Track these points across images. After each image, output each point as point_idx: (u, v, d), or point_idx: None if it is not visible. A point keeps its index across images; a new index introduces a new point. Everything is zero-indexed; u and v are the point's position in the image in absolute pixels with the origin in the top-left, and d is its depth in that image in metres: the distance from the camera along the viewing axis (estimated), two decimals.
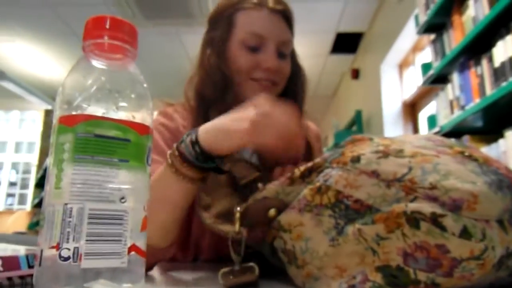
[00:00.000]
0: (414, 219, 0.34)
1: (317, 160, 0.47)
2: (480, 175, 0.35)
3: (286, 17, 0.83)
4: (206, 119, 0.72)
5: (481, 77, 1.79)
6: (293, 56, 0.89)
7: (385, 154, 0.40)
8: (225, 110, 0.70)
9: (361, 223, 0.38)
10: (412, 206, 0.34)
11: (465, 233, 0.33)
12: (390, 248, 0.35)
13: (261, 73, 0.81)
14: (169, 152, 0.57)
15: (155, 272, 0.68)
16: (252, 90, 0.81)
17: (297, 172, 0.47)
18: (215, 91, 0.81)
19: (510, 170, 0.39)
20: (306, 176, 0.47)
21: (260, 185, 0.50)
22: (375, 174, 0.38)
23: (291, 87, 0.88)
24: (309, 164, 0.47)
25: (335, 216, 0.41)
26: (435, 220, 0.33)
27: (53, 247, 0.29)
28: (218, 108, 0.79)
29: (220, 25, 0.85)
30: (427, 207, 0.34)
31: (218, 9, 0.87)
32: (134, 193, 0.32)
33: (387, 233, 0.35)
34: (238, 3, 0.83)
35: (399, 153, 0.39)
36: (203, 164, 0.55)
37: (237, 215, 0.48)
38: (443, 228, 0.33)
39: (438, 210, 0.33)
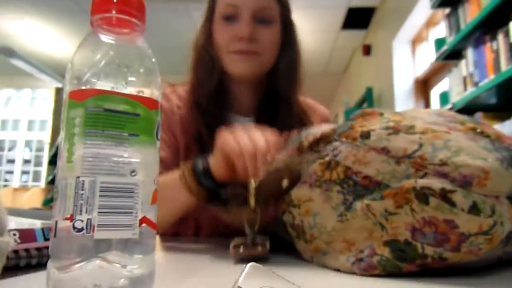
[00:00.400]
0: (423, 195, 0.34)
1: (326, 130, 0.47)
2: (492, 151, 0.35)
3: None
4: (200, 102, 0.73)
5: (496, 52, 1.75)
6: (286, 26, 0.86)
7: (396, 130, 0.39)
8: (214, 92, 0.72)
9: (370, 198, 0.38)
10: (422, 182, 0.35)
11: (474, 209, 0.33)
12: (399, 223, 0.36)
13: (237, 44, 0.79)
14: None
15: (162, 244, 0.70)
16: (232, 63, 0.80)
17: (305, 141, 0.47)
18: (205, 72, 0.82)
19: None
20: (314, 145, 0.47)
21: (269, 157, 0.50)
22: (385, 150, 0.38)
23: (281, 59, 0.85)
24: (318, 134, 0.47)
25: (343, 192, 0.41)
26: (444, 195, 0.33)
27: (67, 219, 0.30)
28: (208, 91, 0.81)
29: (206, 7, 0.86)
30: (436, 183, 0.34)
31: None
32: (144, 167, 0.33)
33: (395, 208, 0.36)
34: None
35: (410, 129, 0.39)
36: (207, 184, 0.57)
37: (252, 190, 0.48)
38: (452, 204, 0.33)
39: (448, 186, 0.33)
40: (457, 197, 0.33)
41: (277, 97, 0.86)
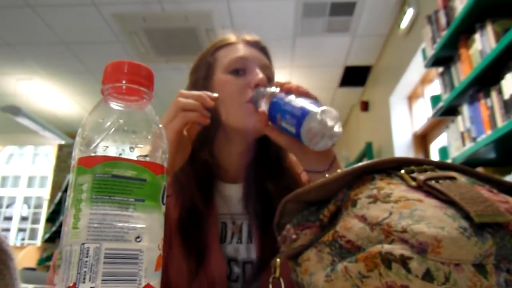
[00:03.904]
0: (387, 260, 0.36)
1: (336, 202, 0.48)
2: (457, 220, 0.36)
3: (261, 47, 0.86)
4: (198, 160, 0.72)
5: (491, 109, 1.79)
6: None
7: (375, 199, 0.42)
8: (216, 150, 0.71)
9: (348, 261, 0.40)
10: (387, 247, 0.36)
11: (427, 276, 0.34)
12: (370, 286, 0.37)
13: (252, 92, 0.77)
14: None
15: None
16: (247, 115, 0.76)
17: (324, 218, 0.48)
18: (206, 133, 0.78)
19: None
20: (333, 219, 0.48)
21: (290, 229, 0.50)
22: (363, 218, 0.41)
23: None
24: (331, 207, 0.48)
25: (332, 253, 0.43)
26: (403, 261, 0.35)
27: (69, 287, 0.30)
28: (208, 150, 0.80)
29: (202, 67, 0.85)
30: (398, 249, 0.36)
31: (197, 58, 0.88)
32: (149, 232, 0.33)
33: (367, 272, 0.37)
34: (218, 43, 0.86)
35: (386, 197, 0.42)
36: None
37: (278, 263, 0.49)
38: (408, 270, 0.34)
39: (407, 252, 0.35)
40: (413, 263, 0.34)
41: (267, 160, 0.84)
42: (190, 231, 0.79)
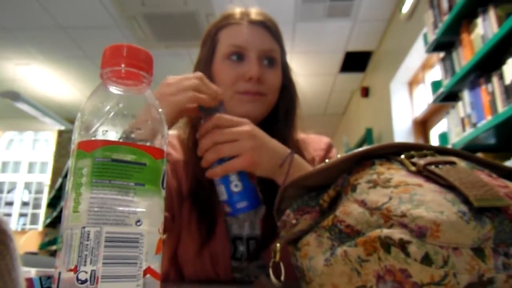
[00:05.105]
0: (386, 244, 0.36)
1: (336, 187, 0.49)
2: (457, 204, 0.37)
3: (267, 27, 0.83)
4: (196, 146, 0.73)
5: (492, 94, 1.79)
6: (285, 69, 0.88)
7: (375, 184, 0.43)
8: None
9: (347, 245, 0.40)
10: (386, 231, 0.37)
11: (426, 259, 0.34)
12: (369, 270, 0.38)
13: (245, 84, 0.79)
14: None
15: None
16: (239, 104, 0.79)
17: (324, 203, 0.49)
18: None
19: None
20: (333, 204, 0.48)
21: (290, 214, 0.51)
22: (363, 202, 0.41)
23: (281, 101, 0.86)
24: (331, 192, 0.48)
25: (331, 238, 0.44)
26: (402, 245, 0.35)
27: (70, 270, 0.30)
28: None
29: (206, 45, 0.86)
30: (397, 233, 0.36)
31: (205, 31, 0.89)
32: (149, 216, 0.33)
33: (366, 256, 0.38)
34: (220, 22, 0.85)
35: (386, 182, 0.42)
36: None
37: (278, 247, 0.49)
38: (407, 254, 0.35)
39: (406, 236, 0.35)
40: (411, 247, 0.35)
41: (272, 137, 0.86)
42: (200, 203, 0.81)
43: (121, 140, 0.33)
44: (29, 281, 0.46)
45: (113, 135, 0.33)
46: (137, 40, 3.94)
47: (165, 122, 0.37)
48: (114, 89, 0.36)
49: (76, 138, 0.34)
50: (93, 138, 0.33)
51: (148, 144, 0.34)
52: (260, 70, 0.79)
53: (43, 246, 6.43)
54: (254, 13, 0.84)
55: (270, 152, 0.64)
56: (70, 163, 0.34)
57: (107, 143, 0.33)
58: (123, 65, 0.36)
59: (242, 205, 0.62)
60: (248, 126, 0.64)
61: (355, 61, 4.40)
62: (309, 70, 4.57)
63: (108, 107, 0.34)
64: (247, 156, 0.61)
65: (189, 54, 3.97)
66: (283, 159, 0.65)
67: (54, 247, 5.43)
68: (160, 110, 0.37)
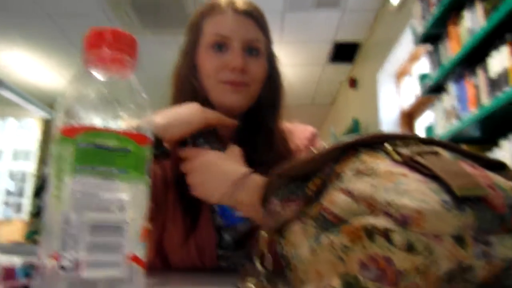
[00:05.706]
0: (371, 232, 0.37)
1: (321, 176, 0.49)
2: (440, 193, 0.37)
3: (252, 16, 0.82)
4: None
5: (477, 87, 1.81)
6: (270, 59, 0.88)
7: (360, 173, 0.43)
8: None
9: (332, 233, 0.41)
10: (371, 220, 0.37)
11: (409, 247, 0.35)
12: (353, 257, 0.38)
13: (228, 74, 0.79)
14: None
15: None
16: (223, 93, 0.80)
17: (309, 192, 0.49)
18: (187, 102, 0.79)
19: (494, 187, 0.40)
20: (319, 193, 0.48)
21: (275, 202, 0.51)
22: (348, 191, 0.42)
23: (266, 91, 0.86)
24: (317, 180, 0.48)
25: (316, 226, 0.44)
26: (386, 234, 0.36)
27: (52, 257, 0.29)
28: None
29: (190, 34, 0.86)
30: (381, 222, 0.37)
31: (190, 19, 0.88)
32: (133, 203, 0.32)
33: (351, 244, 0.38)
34: (205, 10, 0.84)
35: (371, 172, 0.42)
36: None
37: (263, 236, 0.50)
38: (391, 242, 0.36)
39: (390, 225, 0.36)
40: (395, 235, 0.35)
41: (257, 127, 0.85)
42: (185, 192, 0.80)
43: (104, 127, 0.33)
44: (11, 270, 0.45)
45: (96, 120, 0.33)
46: (123, 27, 3.86)
47: (149, 107, 0.36)
48: (96, 73, 0.35)
49: (58, 123, 0.33)
50: (75, 124, 0.32)
51: (132, 130, 0.34)
52: (243, 60, 0.79)
53: (29, 235, 6.35)
54: (240, 2, 0.83)
55: (217, 183, 0.65)
56: (52, 148, 0.33)
57: (90, 128, 0.32)
58: (106, 49, 0.35)
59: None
60: (199, 160, 0.67)
61: (343, 52, 4.40)
62: (298, 60, 4.56)
63: (90, 92, 0.33)
64: (197, 190, 0.66)
65: (176, 42, 3.92)
66: (232, 188, 0.64)
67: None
68: (144, 95, 0.37)
